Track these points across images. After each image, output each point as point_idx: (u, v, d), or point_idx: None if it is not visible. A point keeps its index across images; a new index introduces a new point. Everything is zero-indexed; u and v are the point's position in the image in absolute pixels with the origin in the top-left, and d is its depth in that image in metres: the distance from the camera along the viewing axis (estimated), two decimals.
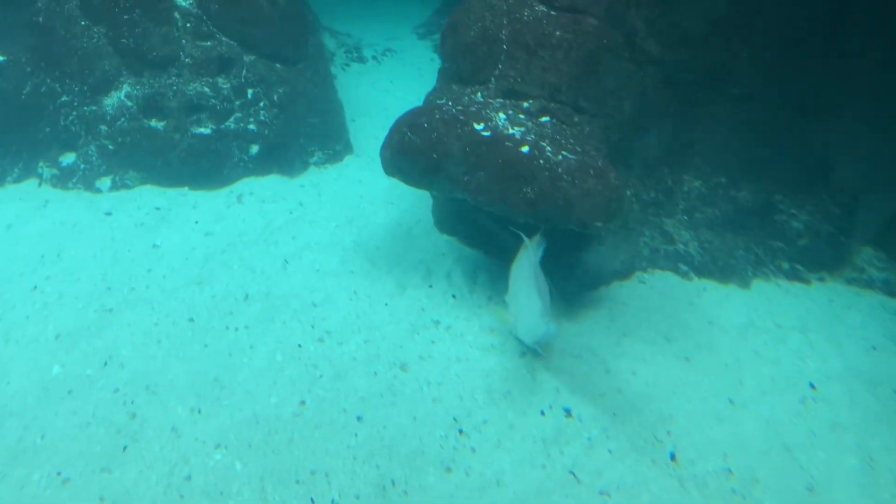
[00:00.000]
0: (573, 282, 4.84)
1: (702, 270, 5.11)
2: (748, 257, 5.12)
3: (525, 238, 4.17)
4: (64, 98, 5.92)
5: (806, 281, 5.11)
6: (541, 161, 4.36)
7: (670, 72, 5.07)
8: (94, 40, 5.99)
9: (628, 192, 5.14)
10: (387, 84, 7.89)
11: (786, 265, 5.13)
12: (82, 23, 6.00)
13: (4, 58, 5.85)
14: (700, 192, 5.20)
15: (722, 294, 4.97)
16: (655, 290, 4.95)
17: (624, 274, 5.05)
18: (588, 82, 4.81)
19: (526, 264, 3.99)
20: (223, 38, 6.26)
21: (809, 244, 5.12)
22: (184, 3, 6.20)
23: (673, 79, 5.09)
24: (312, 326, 4.54)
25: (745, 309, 4.84)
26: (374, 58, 8.48)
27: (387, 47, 8.74)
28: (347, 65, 8.19)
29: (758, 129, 5.07)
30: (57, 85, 5.93)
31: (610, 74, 4.91)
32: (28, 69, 5.90)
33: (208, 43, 6.19)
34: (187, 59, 6.10)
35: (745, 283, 5.05)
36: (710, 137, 5.17)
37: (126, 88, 5.99)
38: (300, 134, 6.47)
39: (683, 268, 5.12)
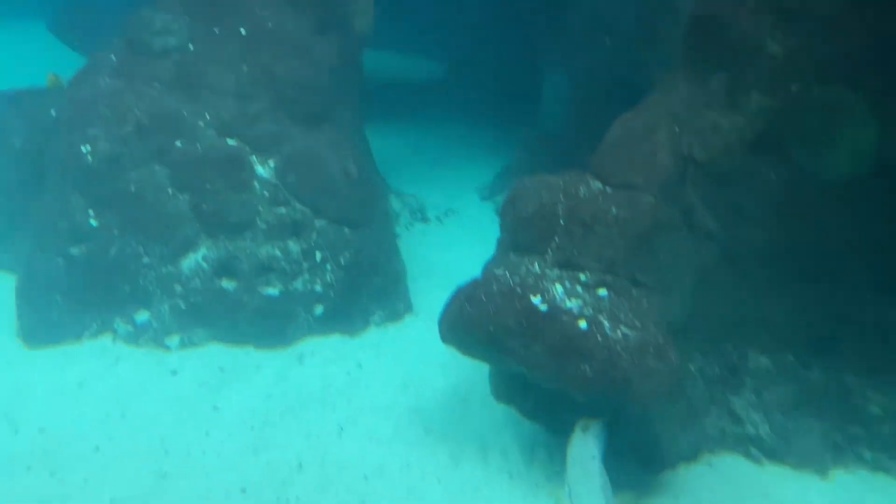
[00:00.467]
0: (636, 465, 4.62)
1: (774, 455, 4.82)
2: (825, 443, 4.82)
3: (581, 420, 4.07)
4: (145, 259, 6.32)
5: (891, 472, 4.73)
6: (598, 337, 4.33)
7: (729, 248, 5.07)
8: (179, 207, 6.45)
9: (692, 368, 5.01)
10: (448, 244, 8.15)
11: (867, 454, 4.79)
12: (169, 191, 6.50)
13: (97, 223, 6.34)
14: (767, 369, 5.01)
15: (799, 485, 4.63)
16: (725, 476, 4.67)
17: (690, 456, 4.81)
18: (645, 257, 4.85)
19: (586, 454, 3.86)
20: (297, 205, 6.65)
21: (891, 431, 4.79)
22: (264, 174, 6.67)
23: (732, 254, 5.08)
24: (363, 502, 4.43)
25: None
26: (437, 218, 8.84)
27: (449, 208, 9.11)
28: (411, 225, 8.55)
29: (825, 308, 4.93)
30: (141, 247, 6.34)
31: (667, 249, 4.94)
32: (116, 233, 6.36)
33: (283, 209, 6.58)
34: (262, 225, 6.47)
35: (823, 472, 4.71)
36: (773, 313, 5.05)
37: (203, 251, 6.36)
38: (363, 294, 6.66)
39: (754, 451, 4.85)
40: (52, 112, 7.00)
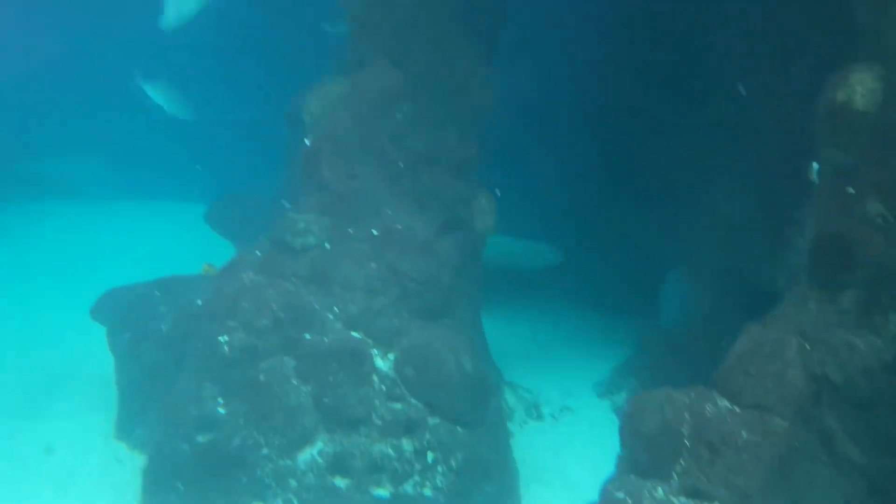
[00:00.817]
0: None
1: None
2: None
3: None
4: (265, 451, 6.48)
5: None
6: None
7: (878, 481, 4.59)
8: (301, 398, 6.68)
9: None
10: (564, 446, 7.86)
11: None
12: (294, 382, 6.78)
13: (225, 411, 6.66)
14: None
15: None
16: None
17: None
18: (781, 487, 4.49)
19: None
20: (412, 401, 6.72)
21: None
22: (383, 367, 6.86)
23: (882, 489, 4.58)
24: None
25: None
26: (551, 415, 8.62)
27: (564, 405, 8.88)
28: (525, 423, 8.38)
29: None
30: (262, 438, 6.54)
31: (806, 480, 4.56)
32: (241, 422, 6.62)
33: (398, 405, 6.66)
34: (377, 420, 6.55)
35: None
36: None
37: (319, 445, 6.47)
38: (473, 501, 6.45)
39: None
40: (199, 301, 7.64)
